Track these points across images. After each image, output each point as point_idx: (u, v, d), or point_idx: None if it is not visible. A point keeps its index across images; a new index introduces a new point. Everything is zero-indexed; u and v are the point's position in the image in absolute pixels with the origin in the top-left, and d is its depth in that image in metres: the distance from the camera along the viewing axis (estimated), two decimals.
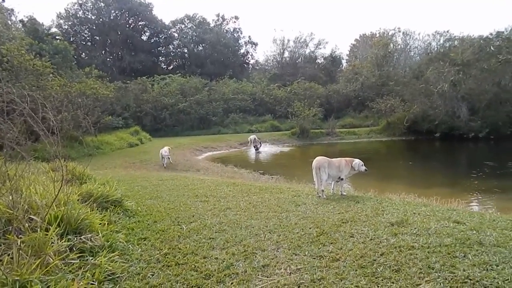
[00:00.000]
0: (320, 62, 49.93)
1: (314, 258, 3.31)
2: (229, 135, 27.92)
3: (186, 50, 50.36)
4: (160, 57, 50.31)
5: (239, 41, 52.93)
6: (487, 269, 2.87)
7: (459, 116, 26.01)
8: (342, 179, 6.29)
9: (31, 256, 2.69)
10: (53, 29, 36.28)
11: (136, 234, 4.11)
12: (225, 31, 52.08)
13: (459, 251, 3.27)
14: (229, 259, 3.37)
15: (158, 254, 3.52)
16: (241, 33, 52.85)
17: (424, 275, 2.84)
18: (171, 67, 49.43)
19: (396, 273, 2.91)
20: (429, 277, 2.79)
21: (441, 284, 2.67)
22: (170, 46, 50.30)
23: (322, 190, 6.03)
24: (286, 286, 2.80)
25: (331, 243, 3.69)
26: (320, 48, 50.06)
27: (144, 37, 48.22)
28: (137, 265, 3.25)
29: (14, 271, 2.43)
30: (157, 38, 49.06)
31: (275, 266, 3.19)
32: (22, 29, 28.52)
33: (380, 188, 7.86)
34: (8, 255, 2.67)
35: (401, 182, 11.22)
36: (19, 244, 2.74)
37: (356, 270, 3.01)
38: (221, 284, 2.89)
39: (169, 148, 13.83)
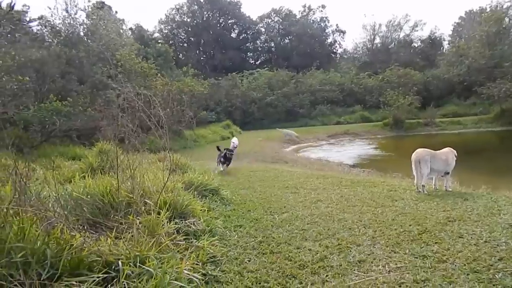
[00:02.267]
0: (416, 45, 45.79)
1: (416, 258, 3.07)
2: (316, 127, 27.58)
3: (272, 44, 51.14)
4: (248, 53, 52.09)
5: (326, 31, 51.70)
6: None
7: None
8: (448, 173, 5.68)
9: (147, 235, 3.06)
10: (156, 34, 40.57)
11: (232, 221, 4.36)
12: (311, 21, 51.35)
13: None
14: (323, 251, 3.33)
15: (253, 241, 3.67)
16: (328, 22, 51.56)
17: None
18: (258, 61, 50.84)
19: None
20: None
21: None
22: (258, 41, 51.69)
23: (423, 185, 5.53)
24: (385, 284, 2.66)
25: (436, 242, 3.37)
26: (417, 31, 45.92)
27: (233, 35, 50.47)
28: (234, 250, 3.44)
29: (134, 247, 2.79)
30: (245, 35, 50.87)
31: (372, 262, 3.05)
32: (131, 36, 32.40)
33: (493, 184, 6.86)
34: (129, 233, 3.09)
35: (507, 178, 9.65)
36: (138, 224, 3.15)
37: (467, 275, 2.70)
38: (316, 275, 2.88)
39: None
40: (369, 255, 3.20)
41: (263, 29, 51.56)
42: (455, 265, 2.87)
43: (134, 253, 2.70)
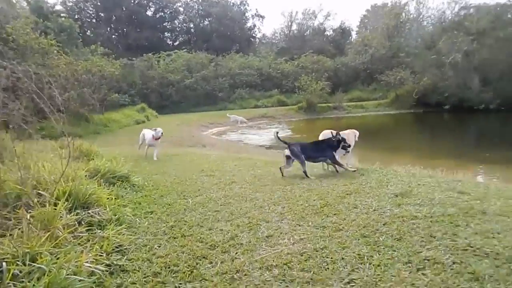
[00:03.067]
0: (329, 34, 48.84)
1: (318, 229, 3.36)
2: (235, 111, 27.83)
3: (192, 25, 49.51)
4: (165, 33, 49.63)
5: (246, 14, 51.79)
6: (488, 237, 2.88)
7: (470, 87, 25.40)
8: (348, 151, 6.27)
9: (41, 230, 2.77)
10: (58, 7, 35.85)
11: (143, 208, 4.21)
12: (231, 4, 50.89)
13: (461, 220, 3.28)
14: (234, 230, 3.43)
15: (164, 226, 3.61)
16: (248, 6, 51.66)
17: (425, 243, 2.86)
18: (177, 42, 48.86)
19: (398, 241, 2.94)
20: (430, 245, 2.81)
21: (442, 251, 2.69)
22: (176, 21, 49.52)
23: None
24: (289, 255, 2.85)
25: (335, 214, 3.73)
26: (329, 20, 49.37)
27: (149, 13, 47.46)
28: (144, 237, 3.34)
29: (24, 244, 2.51)
30: (162, 13, 48.23)
31: (278, 236, 3.24)
32: (27, 7, 28.16)
33: (386, 160, 7.84)
34: (19, 229, 2.76)
35: (408, 154, 11.18)
36: (28, 218, 2.83)
37: (358, 239, 3.05)
38: (226, 254, 2.96)
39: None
40: (276, 230, 3.40)
41: (181, 9, 49.50)
42: (349, 233, 3.21)
43: (23, 250, 2.43)
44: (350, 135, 6.36)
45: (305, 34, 48.22)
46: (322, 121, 24.03)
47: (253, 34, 53.58)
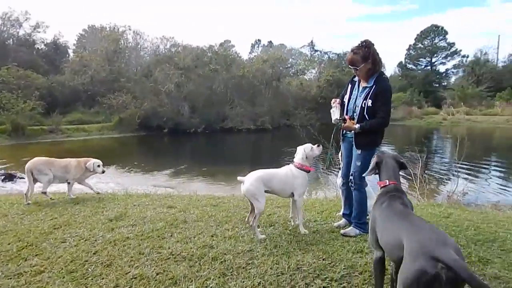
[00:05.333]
0: (40, 48, 42.91)
1: (10, 279, 2.74)
2: None
3: None
4: None
5: None
6: (186, 242, 3.35)
7: (183, 113, 29.73)
8: (69, 182, 5.51)
9: None
10: None
11: None
12: None
13: (167, 232, 3.65)
14: None
15: None
16: None
17: (134, 262, 2.95)
18: None
19: (107, 268, 2.87)
20: (139, 263, 2.93)
21: (148, 266, 2.86)
22: None
23: (27, 195, 5.14)
24: None
25: (36, 255, 3.18)
26: (39, 32, 42.91)
27: None
28: None
29: None
30: None
31: None
32: None
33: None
34: None
35: (133, 176, 11.47)
36: None
37: (63, 277, 2.73)
38: None
39: None
40: None
41: None
42: (53, 273, 2.82)
43: None
44: (72, 163, 5.51)
45: (7, 43, 40.08)
46: (35, 147, 20.48)
47: None
